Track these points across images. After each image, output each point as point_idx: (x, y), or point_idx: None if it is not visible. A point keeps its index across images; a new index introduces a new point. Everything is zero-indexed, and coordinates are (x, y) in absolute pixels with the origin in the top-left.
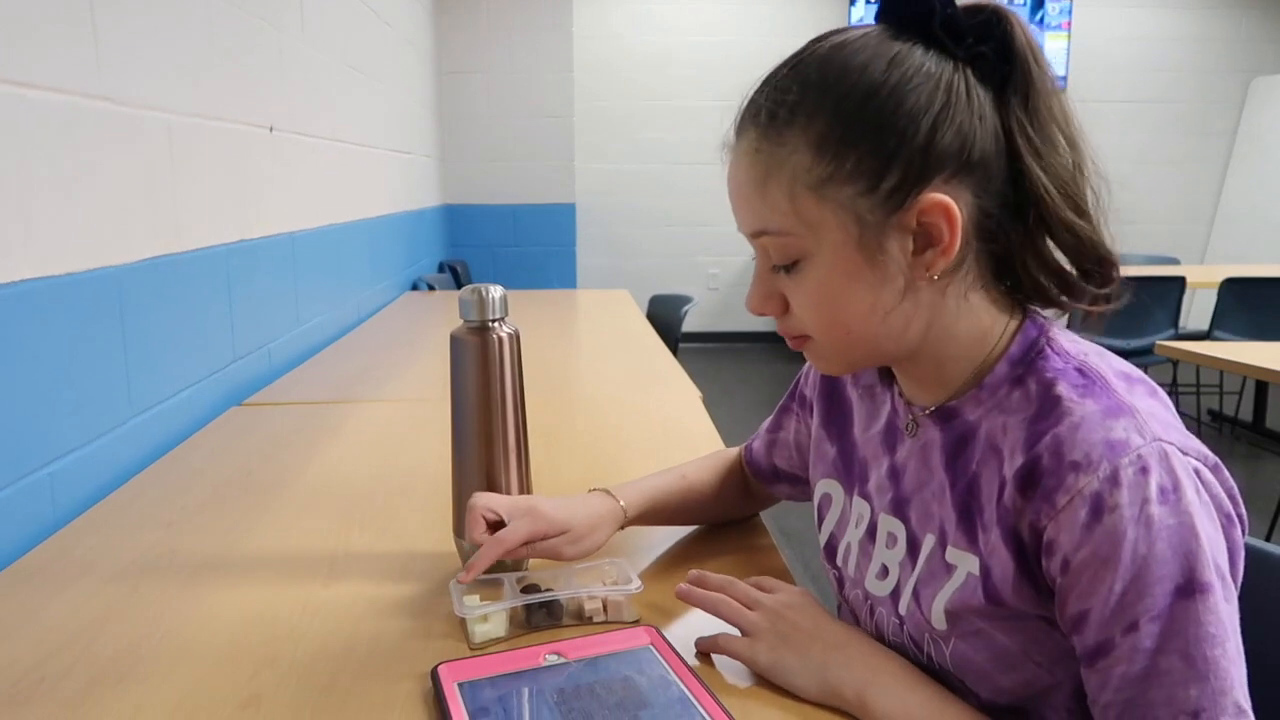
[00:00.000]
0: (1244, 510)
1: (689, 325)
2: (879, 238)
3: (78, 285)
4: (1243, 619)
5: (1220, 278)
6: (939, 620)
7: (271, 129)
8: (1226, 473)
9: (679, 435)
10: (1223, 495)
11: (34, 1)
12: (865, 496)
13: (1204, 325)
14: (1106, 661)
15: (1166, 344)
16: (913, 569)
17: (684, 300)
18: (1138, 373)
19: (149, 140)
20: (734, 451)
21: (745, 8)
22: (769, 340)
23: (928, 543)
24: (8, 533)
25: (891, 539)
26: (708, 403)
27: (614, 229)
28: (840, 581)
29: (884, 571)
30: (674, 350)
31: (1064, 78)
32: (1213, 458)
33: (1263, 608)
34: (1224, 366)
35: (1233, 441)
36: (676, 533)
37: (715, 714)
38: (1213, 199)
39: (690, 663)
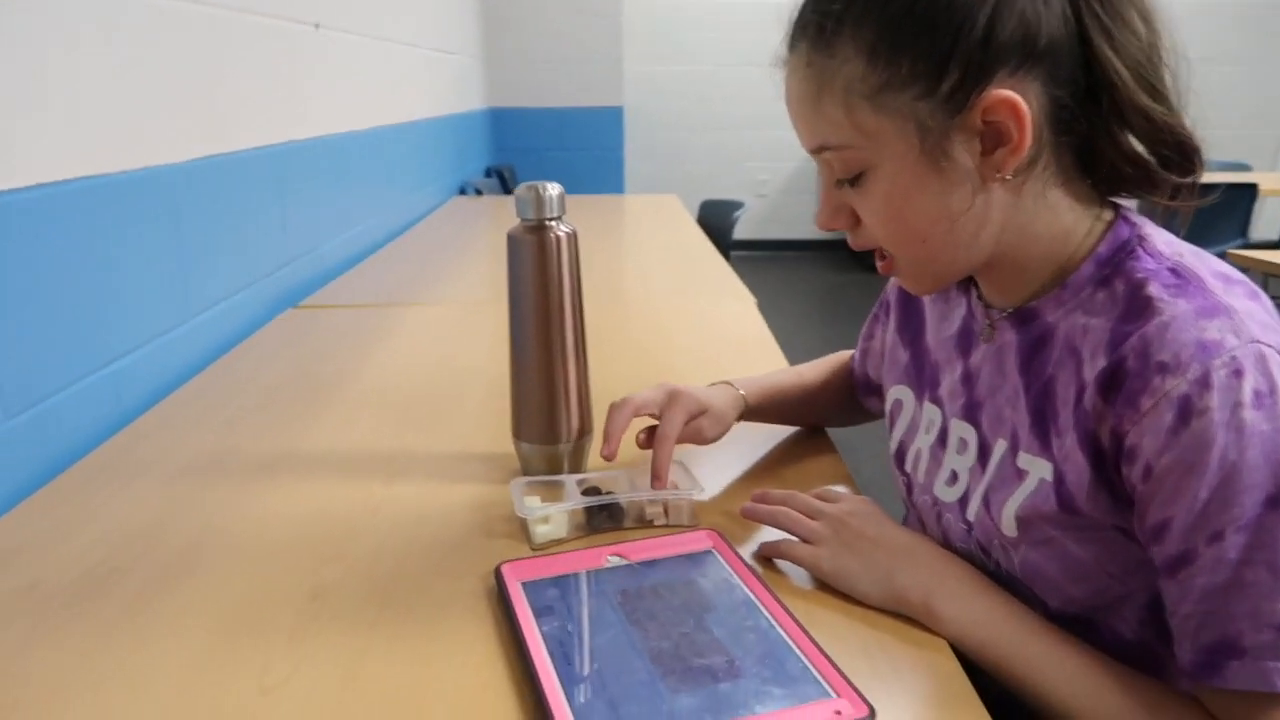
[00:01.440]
0: None
1: (737, 233)
2: (943, 142)
3: (131, 184)
4: None
5: None
6: (1009, 527)
7: (317, 26)
8: None
9: (735, 342)
10: None
11: None
12: (936, 401)
13: (1275, 234)
14: (1188, 571)
15: (1236, 253)
16: (983, 474)
17: (735, 206)
18: (1238, 274)
19: (195, 35)
20: (847, 355)
21: None
22: (819, 248)
23: (999, 448)
24: (75, 429)
25: (962, 444)
26: (760, 310)
27: (660, 133)
28: (909, 487)
29: (953, 477)
30: (726, 257)
31: None
32: None
33: None
34: None
35: None
36: (738, 440)
37: (780, 617)
38: None
39: (753, 567)
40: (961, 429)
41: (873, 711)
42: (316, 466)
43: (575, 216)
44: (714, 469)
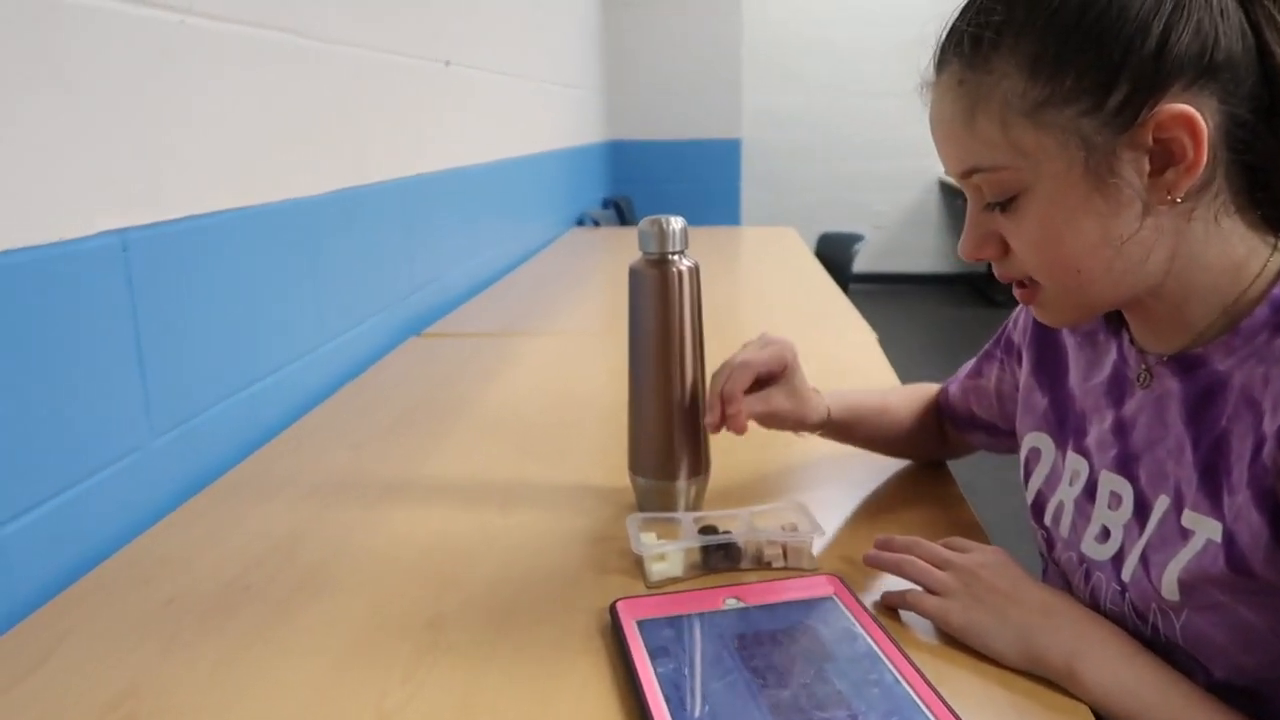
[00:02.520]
0: None
1: (855, 265)
2: (1109, 160)
3: (273, 215)
4: None
5: None
6: (1170, 590)
7: (448, 63)
8: None
9: (855, 377)
10: None
11: None
12: (1082, 452)
13: None
14: None
15: None
16: (1140, 533)
17: (854, 239)
18: None
19: (337, 74)
20: (935, 388)
21: None
22: (938, 282)
23: (1160, 504)
24: (215, 448)
25: (1115, 499)
26: (880, 345)
27: (776, 163)
28: (1050, 542)
29: (1104, 534)
30: (844, 290)
31: None
32: None
33: None
34: None
35: None
36: (860, 483)
37: (906, 671)
38: None
39: (876, 617)
40: (1114, 482)
41: None
42: (437, 492)
43: (692, 248)
44: (833, 510)
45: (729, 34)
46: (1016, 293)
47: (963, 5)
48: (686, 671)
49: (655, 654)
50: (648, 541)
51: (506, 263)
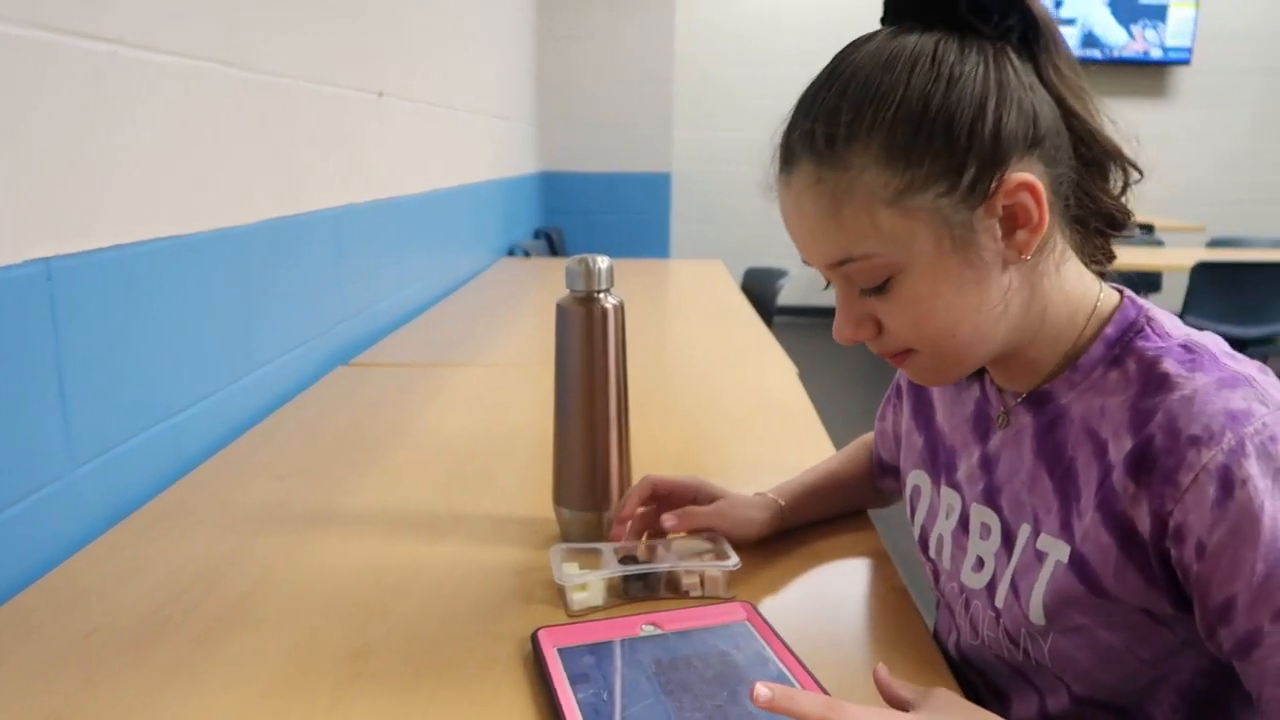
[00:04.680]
0: None
1: (780, 299)
2: (968, 233)
3: (202, 244)
4: None
5: None
6: (1037, 614)
7: (381, 94)
8: None
9: (775, 410)
10: None
11: None
12: (954, 486)
13: None
14: (1260, 653)
15: None
16: (1009, 560)
17: (779, 274)
18: (1242, 354)
19: (271, 105)
20: (871, 435)
21: None
22: None
23: (1023, 533)
24: (137, 478)
25: (985, 529)
26: (802, 379)
27: (709, 196)
28: (936, 574)
29: (979, 563)
30: (768, 324)
31: (1189, 50)
32: None
33: None
34: None
35: None
36: None
37: (813, 691)
38: None
39: (786, 640)
40: (983, 514)
41: None
42: (364, 522)
43: (620, 280)
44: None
45: (661, 69)
46: (893, 361)
47: (801, 106)
48: (606, 696)
49: (576, 680)
50: (569, 572)
51: (437, 292)
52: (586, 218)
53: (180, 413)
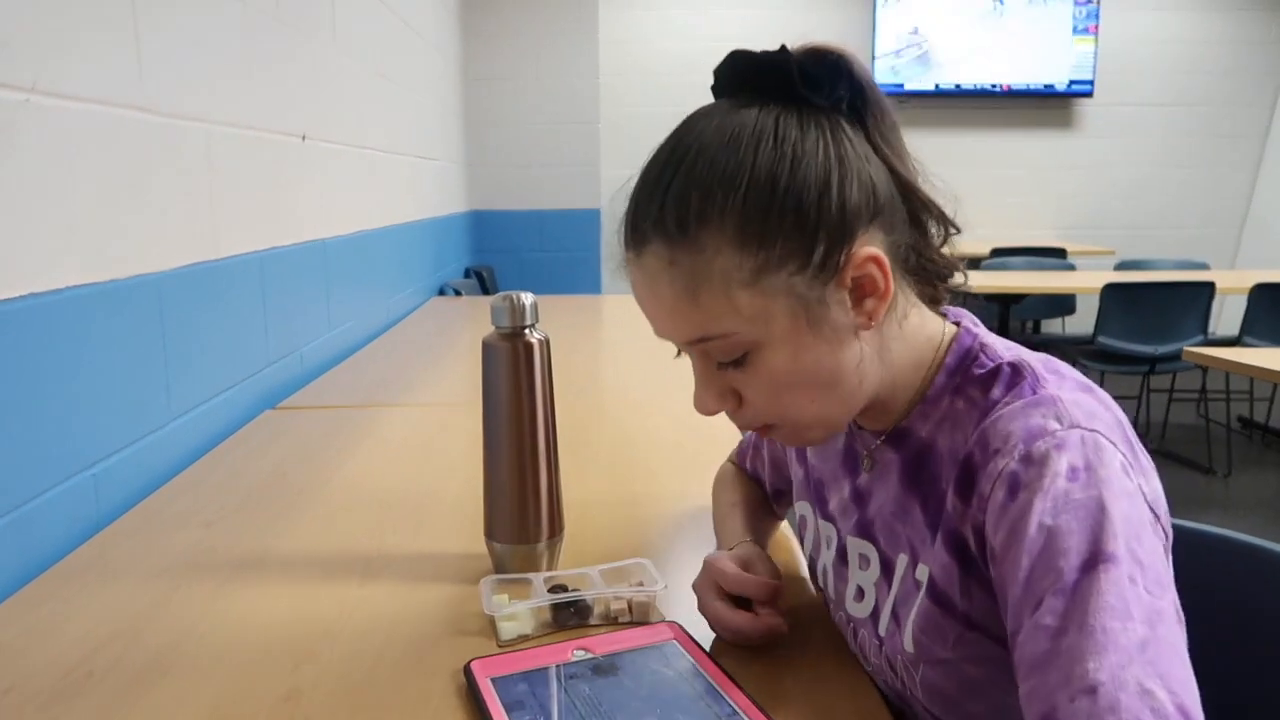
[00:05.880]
0: (1169, 527)
1: None
2: (822, 308)
3: (119, 292)
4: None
5: (1251, 283)
6: (909, 643)
7: (304, 137)
8: (1156, 482)
9: (706, 438)
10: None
11: (79, 14)
12: (829, 518)
13: (1234, 331)
14: (1019, 647)
15: (1195, 350)
16: (889, 589)
17: None
18: (1073, 371)
19: (189, 150)
20: (730, 468)
21: (770, 13)
22: None
23: (901, 562)
24: (54, 531)
25: (863, 560)
26: None
27: None
28: (827, 604)
29: (860, 593)
30: None
31: (1091, 82)
32: (1145, 463)
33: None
34: (1254, 373)
35: (1263, 449)
36: (702, 539)
37: (742, 703)
38: (1243, 203)
39: (713, 656)
40: (860, 546)
41: None
42: (294, 567)
43: (553, 317)
44: (676, 566)
45: (587, 107)
46: (759, 432)
47: (646, 185)
48: None
49: (511, 708)
50: (499, 602)
51: (367, 333)
52: (518, 255)
53: (99, 463)
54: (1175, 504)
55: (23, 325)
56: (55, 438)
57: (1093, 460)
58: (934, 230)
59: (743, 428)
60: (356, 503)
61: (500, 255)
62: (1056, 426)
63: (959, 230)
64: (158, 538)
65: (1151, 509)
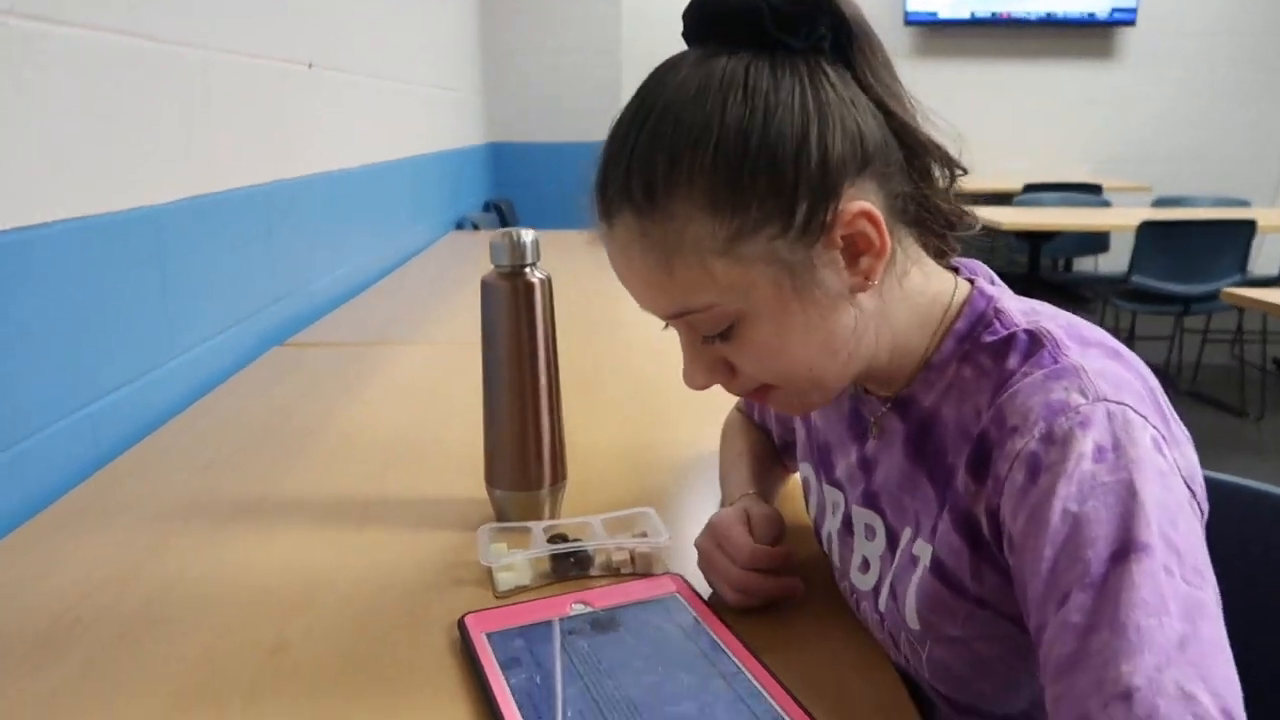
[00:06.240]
0: (1205, 503)
1: None
2: (809, 272)
3: (114, 226)
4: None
5: None
6: (912, 619)
7: (310, 65)
8: (1192, 452)
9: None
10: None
11: None
12: (835, 484)
13: (1273, 271)
14: (1045, 646)
15: (1234, 291)
16: (892, 563)
17: None
18: (1099, 334)
19: (184, 78)
20: (738, 417)
21: None
22: None
23: (905, 536)
24: (49, 473)
25: (869, 531)
26: None
27: None
28: (832, 570)
29: (865, 565)
30: None
31: (1134, 10)
32: (1179, 434)
33: None
34: None
35: None
36: (709, 489)
37: (747, 660)
38: None
39: (717, 610)
40: (866, 516)
41: None
42: (292, 511)
43: (572, 253)
44: (682, 516)
45: (608, 36)
46: (754, 398)
47: (612, 149)
48: (539, 680)
49: (506, 665)
50: (496, 552)
51: (380, 268)
52: (537, 189)
53: (95, 402)
54: (1205, 447)
55: (8, 260)
56: (49, 376)
57: (1121, 438)
58: (938, 174)
59: (739, 394)
60: (360, 444)
61: (520, 189)
62: (1080, 401)
63: (965, 171)
64: (156, 480)
65: (1188, 485)
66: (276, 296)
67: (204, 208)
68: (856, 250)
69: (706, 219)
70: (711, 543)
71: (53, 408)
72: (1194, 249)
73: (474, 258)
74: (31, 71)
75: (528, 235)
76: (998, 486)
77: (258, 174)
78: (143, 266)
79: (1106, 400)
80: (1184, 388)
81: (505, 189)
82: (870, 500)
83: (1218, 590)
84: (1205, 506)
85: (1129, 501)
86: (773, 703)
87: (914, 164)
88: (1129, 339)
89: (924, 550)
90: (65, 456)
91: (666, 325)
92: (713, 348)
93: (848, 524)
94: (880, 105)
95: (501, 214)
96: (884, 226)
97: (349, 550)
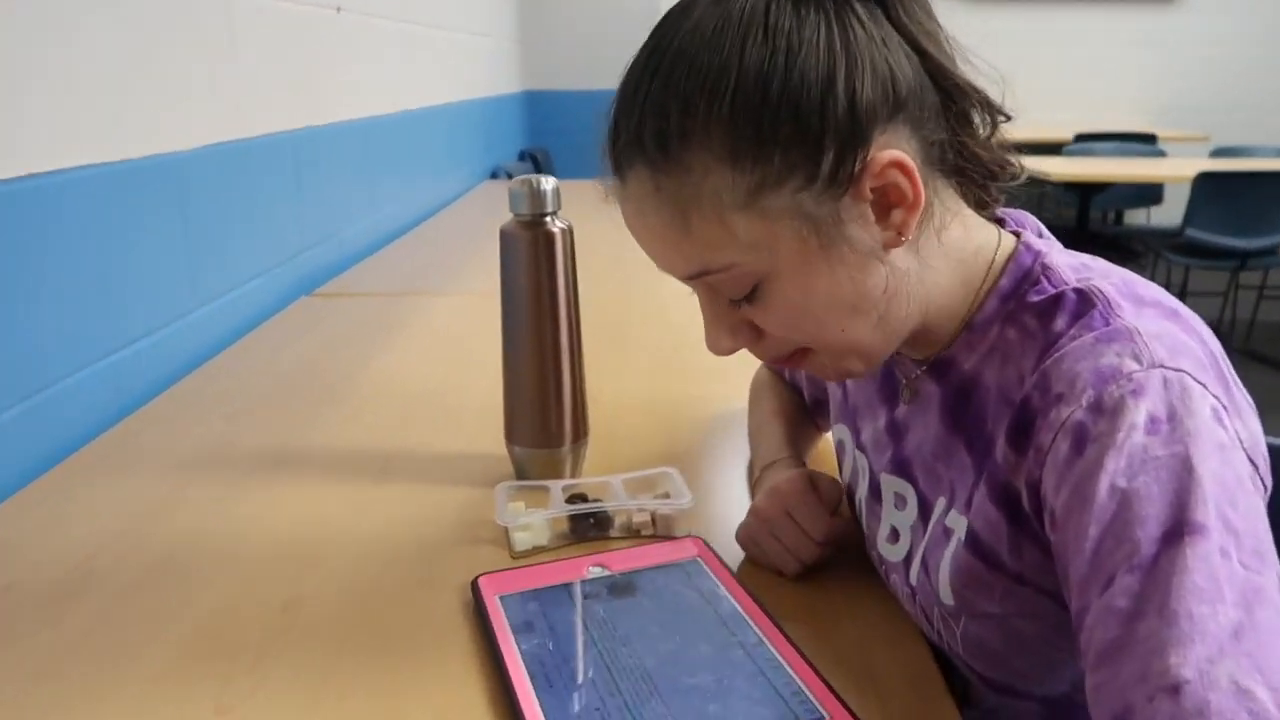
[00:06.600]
0: (1269, 477)
1: None
2: (837, 226)
3: (134, 173)
4: None
5: None
6: (946, 594)
7: (339, 9)
8: (1255, 422)
9: None
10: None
11: None
12: (862, 450)
13: None
14: (1085, 632)
15: None
16: (924, 534)
17: None
18: (1155, 292)
19: (209, 22)
20: (766, 374)
21: None
22: None
23: (939, 506)
24: (70, 423)
25: (900, 500)
26: None
27: None
28: (864, 538)
29: (894, 535)
30: None
31: None
32: (1241, 402)
33: None
34: None
35: None
36: (736, 449)
37: (769, 631)
38: None
39: (740, 577)
40: (896, 484)
41: None
42: (312, 464)
43: (602, 204)
44: (708, 477)
45: None
46: (786, 364)
47: (623, 98)
48: (552, 646)
49: (519, 630)
50: (513, 511)
51: (411, 218)
52: (574, 138)
53: (118, 351)
54: (1258, 409)
55: (28, 206)
56: (71, 324)
57: (1178, 408)
58: (978, 121)
59: (769, 361)
60: (384, 397)
61: (556, 138)
62: (1134, 367)
63: (1008, 118)
64: (176, 430)
65: (1249, 458)
66: (305, 246)
67: (229, 155)
68: (888, 203)
69: (725, 171)
70: (779, 510)
71: (75, 356)
72: (1252, 201)
73: (508, 207)
74: (53, 15)
75: (548, 183)
76: (1039, 458)
77: (285, 121)
78: (165, 214)
79: (1163, 366)
80: (1237, 346)
81: (541, 138)
82: (901, 468)
83: (1279, 573)
84: (1269, 480)
85: (1184, 477)
86: (794, 676)
87: (951, 109)
88: (1181, 295)
89: (958, 522)
90: (87, 406)
91: (691, 291)
92: (736, 310)
93: (875, 492)
94: (914, 45)
95: (537, 163)
96: (917, 177)
97: (366, 505)
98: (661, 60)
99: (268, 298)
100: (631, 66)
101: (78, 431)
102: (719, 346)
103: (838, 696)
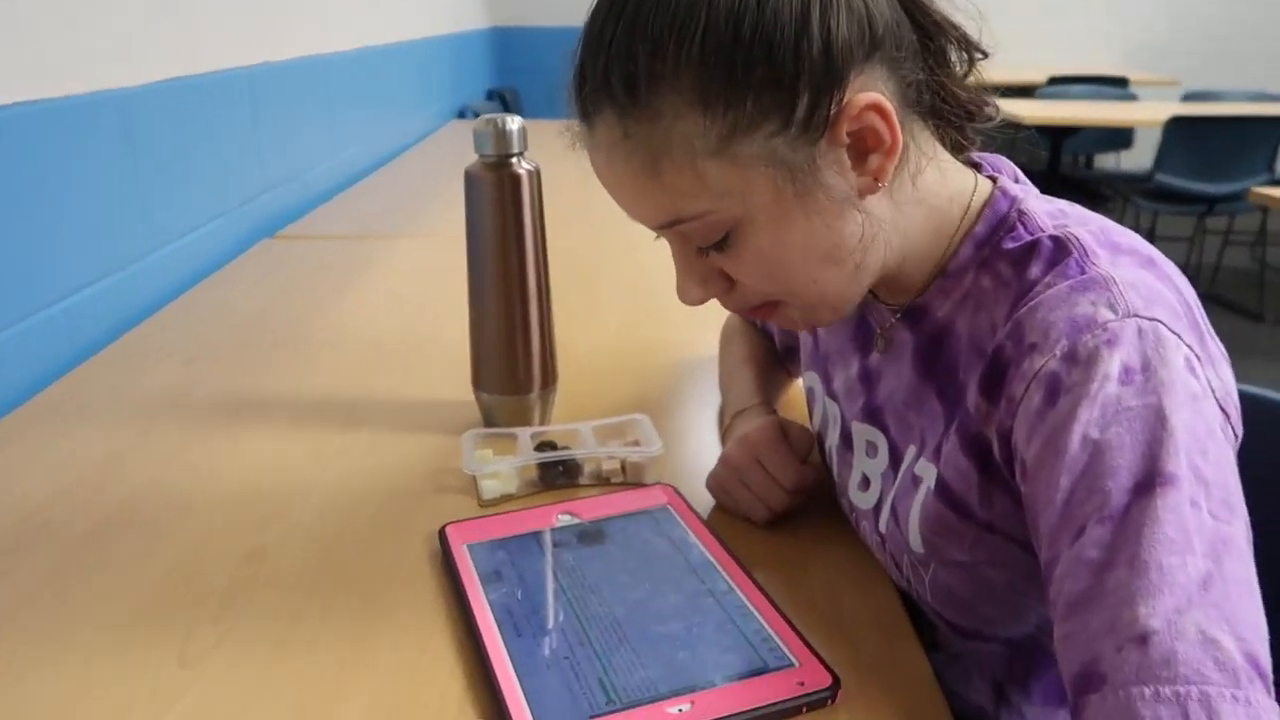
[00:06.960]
0: (1240, 426)
1: None
2: (812, 172)
3: (76, 109)
4: None
5: None
6: (916, 542)
7: None
8: (1228, 372)
9: None
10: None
11: None
12: (833, 397)
13: None
14: (1055, 582)
15: (1261, 190)
16: (894, 481)
17: None
18: (1132, 240)
19: None
20: (737, 320)
21: None
22: None
23: (909, 454)
24: (20, 370)
25: (871, 448)
26: None
27: None
28: (834, 485)
29: (865, 482)
30: None
31: None
32: (1214, 351)
33: None
34: None
35: None
36: (706, 397)
37: (739, 579)
38: None
39: (710, 524)
40: (867, 432)
41: (837, 681)
42: (275, 411)
43: (571, 150)
44: (678, 424)
45: None
46: (756, 315)
47: (589, 40)
48: (520, 595)
49: (487, 579)
50: (480, 458)
51: (376, 158)
52: (544, 76)
53: (69, 297)
54: None
55: None
56: (18, 268)
57: (1152, 358)
58: (955, 58)
59: (739, 312)
60: (348, 342)
61: (525, 75)
62: (1109, 316)
63: (985, 55)
64: (133, 377)
65: (1221, 407)
66: (265, 187)
67: (180, 91)
68: (865, 148)
69: (696, 116)
70: (749, 458)
71: (23, 302)
72: (1221, 146)
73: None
74: None
75: (514, 123)
76: (1011, 408)
77: (241, 56)
78: (112, 154)
79: (1138, 316)
80: (1202, 291)
81: (510, 76)
82: (873, 415)
83: (1249, 524)
84: (1240, 430)
85: (1156, 428)
86: (763, 623)
87: (929, 47)
88: (1148, 239)
89: (927, 471)
90: (37, 354)
91: (658, 236)
92: (707, 259)
93: (846, 440)
94: None
95: (505, 102)
96: (895, 120)
97: (331, 454)
98: (626, 4)
99: (226, 241)
100: (597, 5)
101: (30, 379)
102: (690, 296)
103: (807, 643)
